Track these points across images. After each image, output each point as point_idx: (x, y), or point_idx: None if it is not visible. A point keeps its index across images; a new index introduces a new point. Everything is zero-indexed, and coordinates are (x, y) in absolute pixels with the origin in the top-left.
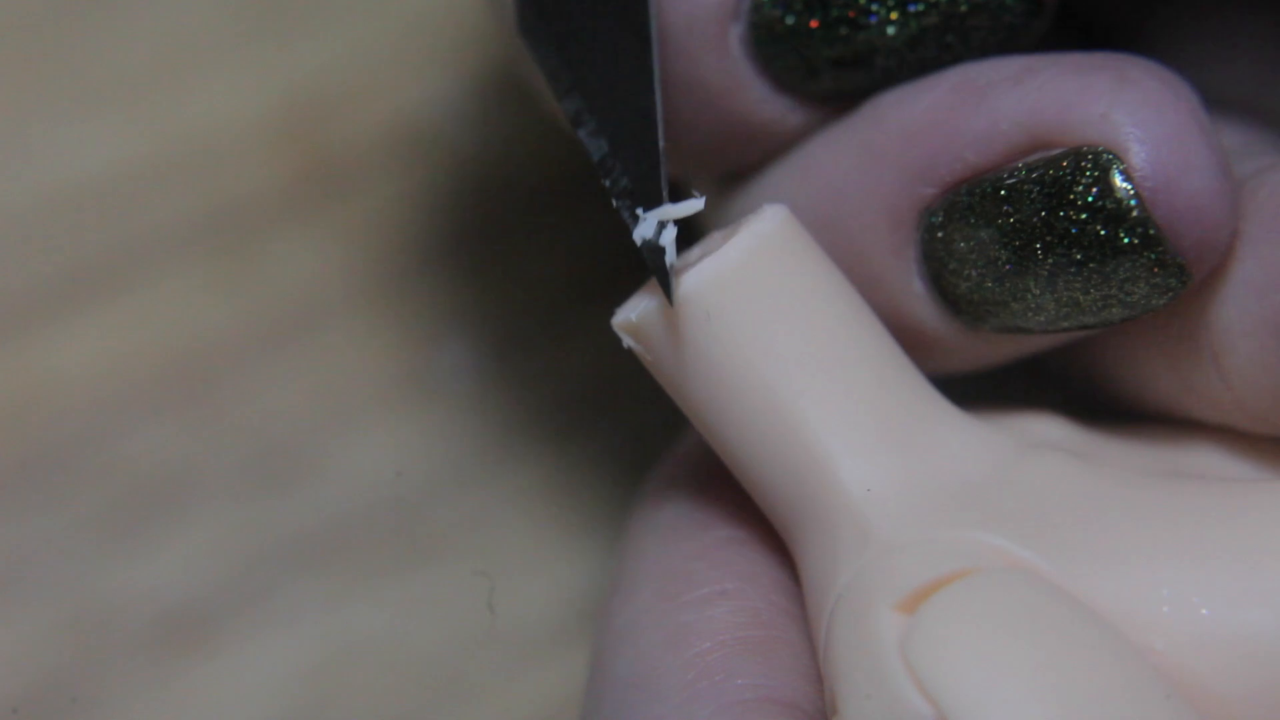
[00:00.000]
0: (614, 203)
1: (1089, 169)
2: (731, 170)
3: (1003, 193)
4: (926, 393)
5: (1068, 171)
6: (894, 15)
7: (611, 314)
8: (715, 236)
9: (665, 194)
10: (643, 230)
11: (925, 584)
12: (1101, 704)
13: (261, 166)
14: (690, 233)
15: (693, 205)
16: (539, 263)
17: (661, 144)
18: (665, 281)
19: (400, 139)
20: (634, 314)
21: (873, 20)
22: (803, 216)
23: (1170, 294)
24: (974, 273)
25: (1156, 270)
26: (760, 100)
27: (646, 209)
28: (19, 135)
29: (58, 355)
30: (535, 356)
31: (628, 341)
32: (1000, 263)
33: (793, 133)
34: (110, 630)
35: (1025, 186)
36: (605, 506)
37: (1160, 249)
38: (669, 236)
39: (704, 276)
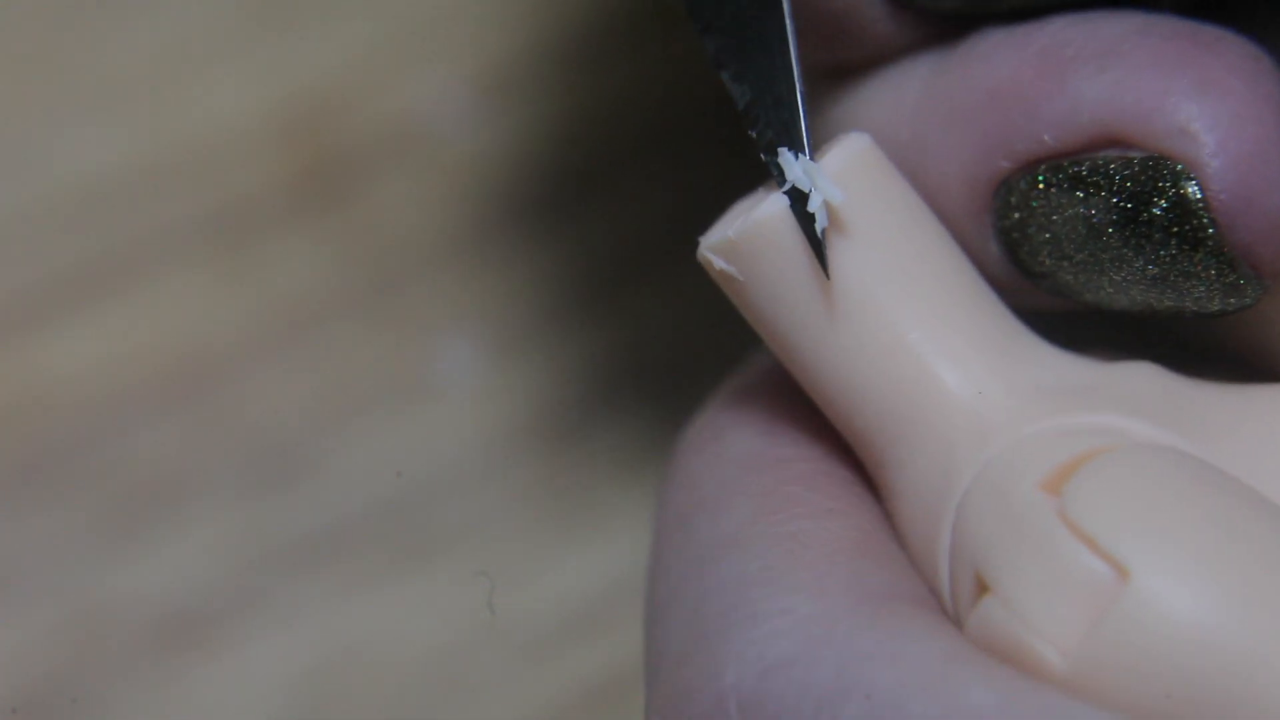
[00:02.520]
0: (761, 156)
1: (1166, 186)
2: (839, 66)
3: (1078, 194)
4: (1011, 315)
5: (1144, 184)
6: None
7: (609, 313)
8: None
9: (809, 150)
10: (794, 175)
11: (1070, 460)
12: (1271, 554)
13: (262, 166)
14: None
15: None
16: (538, 263)
17: (803, 99)
18: (818, 247)
19: (400, 139)
20: (731, 231)
21: None
22: (887, 147)
23: (1246, 303)
24: (1049, 260)
25: (1231, 289)
26: (879, 16)
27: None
28: (19, 135)
29: (58, 355)
30: (535, 356)
31: (719, 263)
32: (1075, 259)
33: (905, 46)
34: (110, 630)
35: (1101, 192)
36: (605, 506)
37: (1235, 270)
38: (816, 198)
39: (843, 158)
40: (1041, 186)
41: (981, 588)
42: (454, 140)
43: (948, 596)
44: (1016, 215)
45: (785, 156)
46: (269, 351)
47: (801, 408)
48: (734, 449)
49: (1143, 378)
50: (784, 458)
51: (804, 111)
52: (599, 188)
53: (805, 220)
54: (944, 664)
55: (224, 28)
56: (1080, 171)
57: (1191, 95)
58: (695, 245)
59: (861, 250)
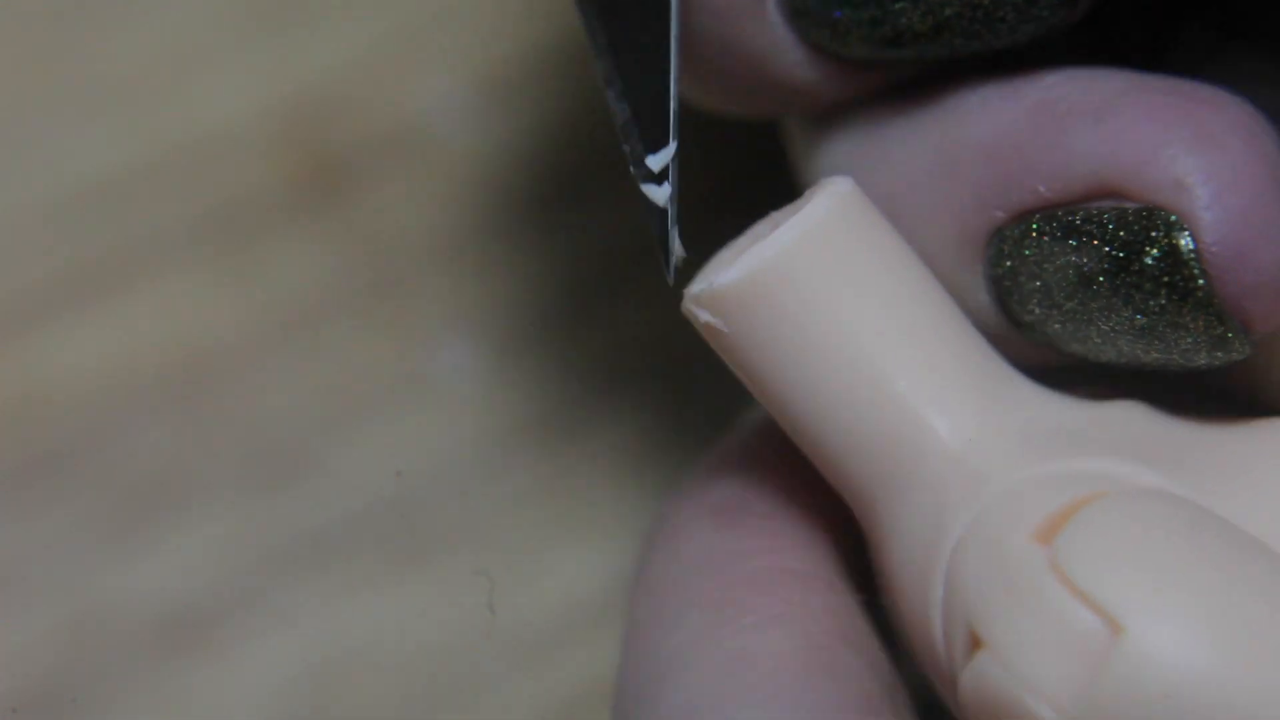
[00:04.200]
0: (630, 169)
1: (1159, 236)
2: (800, 114)
3: (1071, 242)
4: (999, 359)
5: (1137, 234)
6: (919, 5)
7: (610, 314)
8: (778, 214)
9: (673, 168)
10: (656, 195)
11: (1061, 509)
12: (1268, 598)
13: (262, 166)
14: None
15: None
16: (539, 263)
17: (674, 108)
18: (666, 251)
19: (400, 139)
20: (717, 282)
21: (898, 6)
22: (872, 197)
23: (1233, 358)
24: (1038, 310)
25: (1219, 343)
26: (798, 65)
27: (653, 178)
28: (20, 135)
29: (58, 355)
30: (535, 356)
31: (705, 316)
32: (1064, 309)
33: (839, 97)
34: (110, 630)
35: (1094, 241)
36: (605, 506)
37: (1224, 325)
38: (666, 198)
39: (787, 242)
40: (1034, 234)
41: (975, 642)
42: (454, 140)
43: (941, 651)
44: (1008, 264)
45: (650, 188)
46: (269, 351)
47: (768, 482)
48: (689, 547)
49: (1133, 419)
50: (739, 553)
51: (673, 121)
52: (599, 188)
53: (663, 234)
54: None
55: (224, 28)
56: (1074, 220)
57: (1188, 149)
58: (694, 244)
59: (848, 298)
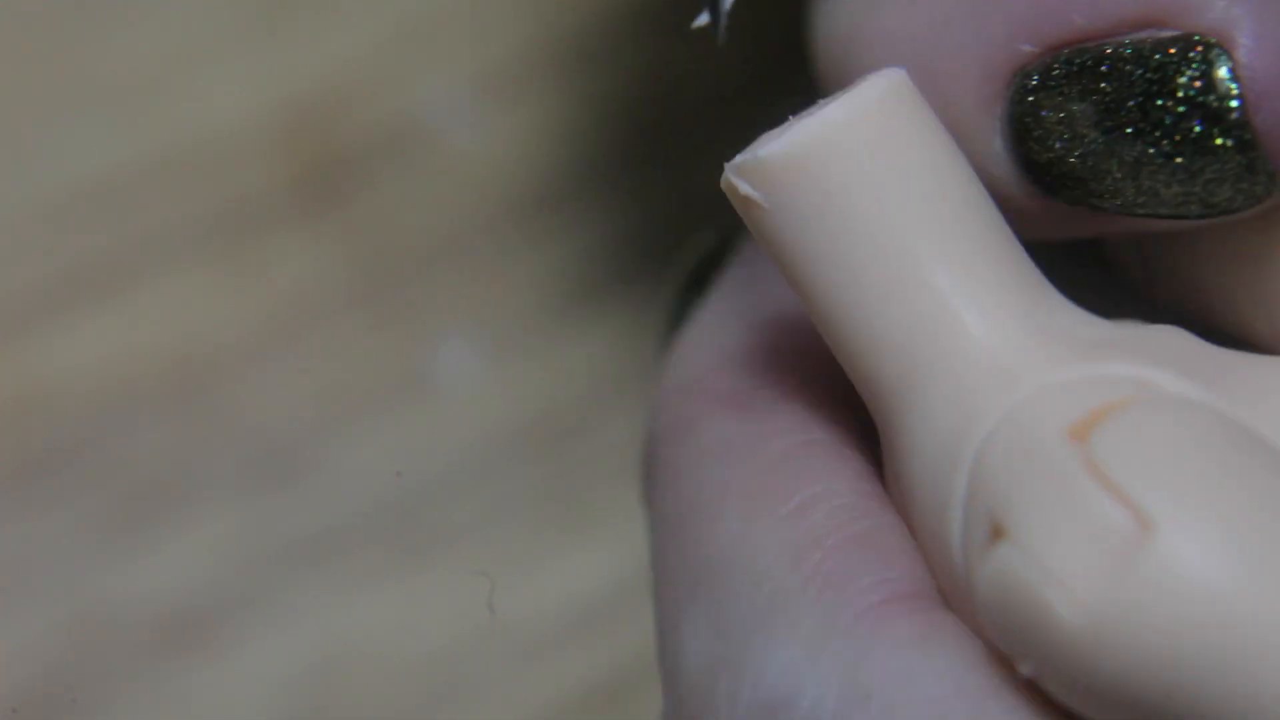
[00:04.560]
0: None
1: (1196, 60)
2: None
3: (1103, 68)
4: (1039, 273)
5: (1174, 59)
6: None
7: (611, 313)
8: (825, 101)
9: None
10: None
11: (1100, 407)
12: None
13: (262, 166)
14: None
15: None
16: (538, 263)
17: None
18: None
19: (400, 139)
20: (762, 151)
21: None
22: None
23: (1254, 202)
24: (1058, 144)
25: (1244, 175)
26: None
27: None
28: (19, 135)
29: (58, 355)
30: (535, 356)
31: (745, 188)
32: (1086, 139)
33: None
34: (110, 630)
35: (1128, 66)
36: (605, 507)
37: (1254, 154)
38: None
39: (838, 118)
40: (1063, 67)
41: (996, 534)
42: (454, 140)
43: (957, 551)
44: (1031, 99)
45: None
46: (269, 351)
47: (773, 375)
48: (708, 438)
49: (1174, 337)
50: (761, 434)
51: None
52: (599, 187)
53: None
54: (959, 685)
55: (224, 28)
56: (1106, 53)
57: None
58: (695, 245)
59: (894, 183)
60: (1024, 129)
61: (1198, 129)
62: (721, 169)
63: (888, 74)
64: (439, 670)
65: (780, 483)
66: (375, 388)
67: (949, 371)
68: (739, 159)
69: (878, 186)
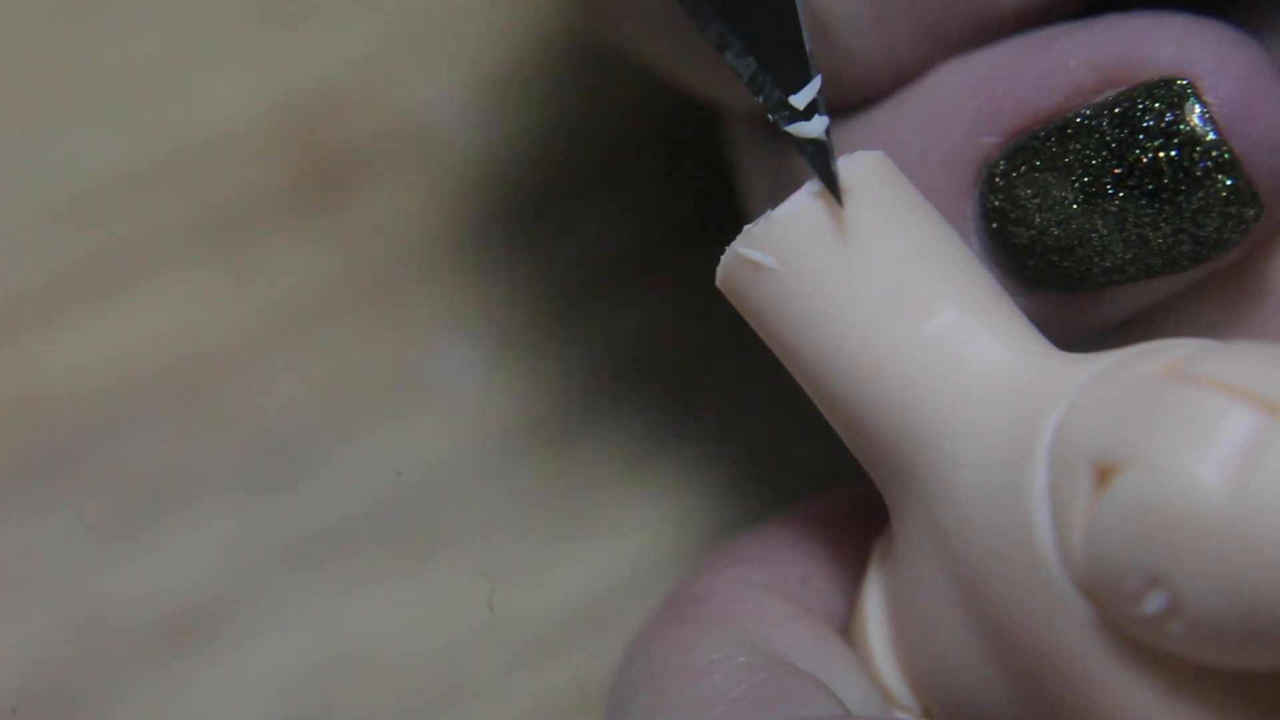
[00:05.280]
0: (770, 117)
1: (1162, 98)
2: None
3: (1069, 131)
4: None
5: (1140, 102)
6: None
7: (610, 314)
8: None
9: (820, 101)
10: (808, 129)
11: (1171, 360)
12: None
13: (262, 166)
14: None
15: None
16: (538, 263)
17: (809, 49)
18: (830, 177)
19: (400, 139)
20: (772, 214)
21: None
22: None
23: (1244, 227)
24: (1038, 219)
25: (1231, 199)
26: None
27: (797, 116)
28: (20, 135)
29: (58, 355)
30: (535, 356)
31: (755, 256)
32: (1066, 204)
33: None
34: (110, 630)
35: (1094, 121)
36: (605, 507)
37: (1235, 175)
38: (823, 128)
39: (841, 176)
40: (1031, 144)
41: (1105, 477)
42: (454, 140)
43: (1044, 534)
44: (1001, 183)
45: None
46: (269, 351)
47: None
48: (652, 660)
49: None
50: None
51: (810, 60)
52: (599, 187)
53: (823, 165)
54: None
55: (224, 28)
56: (1070, 119)
57: (1184, 30)
58: (695, 245)
59: (903, 230)
60: (1000, 214)
61: (1176, 156)
62: (722, 168)
63: (865, 152)
64: (439, 670)
65: (683, 657)
66: (375, 388)
67: (988, 398)
68: (746, 230)
69: (880, 243)
